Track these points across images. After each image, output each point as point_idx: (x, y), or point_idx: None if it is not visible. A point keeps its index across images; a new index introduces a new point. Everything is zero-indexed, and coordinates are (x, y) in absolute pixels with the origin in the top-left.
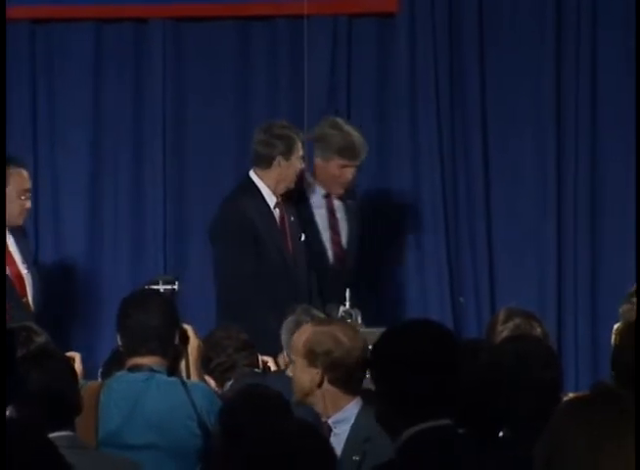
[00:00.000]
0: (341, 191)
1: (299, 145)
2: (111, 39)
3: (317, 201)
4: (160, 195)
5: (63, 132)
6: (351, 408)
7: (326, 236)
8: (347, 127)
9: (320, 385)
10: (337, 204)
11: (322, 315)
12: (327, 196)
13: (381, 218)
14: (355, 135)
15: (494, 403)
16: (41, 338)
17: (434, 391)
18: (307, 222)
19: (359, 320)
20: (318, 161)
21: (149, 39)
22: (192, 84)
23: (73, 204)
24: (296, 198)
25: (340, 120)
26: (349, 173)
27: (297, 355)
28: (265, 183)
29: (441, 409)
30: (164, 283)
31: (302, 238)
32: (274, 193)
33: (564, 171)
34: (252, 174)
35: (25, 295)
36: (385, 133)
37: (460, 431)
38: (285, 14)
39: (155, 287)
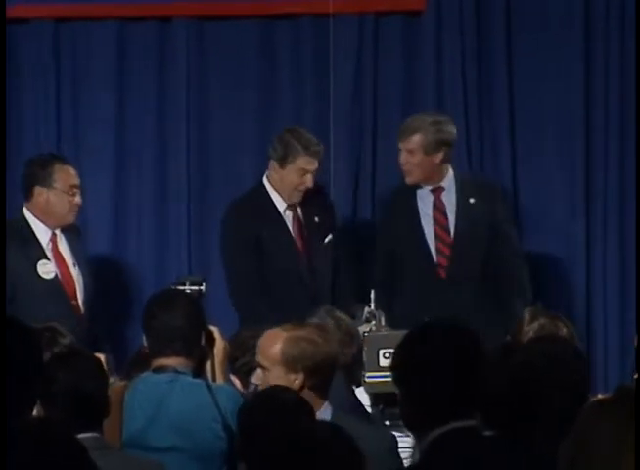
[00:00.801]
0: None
1: (304, 159)
2: (134, 38)
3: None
4: (185, 194)
5: (86, 133)
6: (324, 413)
7: (430, 233)
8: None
9: (305, 389)
10: (445, 198)
11: (346, 317)
12: (434, 190)
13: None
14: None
15: (526, 404)
16: (66, 339)
17: (458, 392)
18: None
19: (382, 322)
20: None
21: (172, 38)
22: (215, 84)
23: (98, 205)
24: (321, 199)
25: None
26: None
27: (270, 363)
28: (272, 186)
29: (466, 410)
30: (191, 284)
31: (327, 240)
32: (283, 196)
33: (592, 173)
34: (265, 175)
35: (75, 297)
36: None
37: (489, 432)
38: (309, 12)
39: (181, 288)
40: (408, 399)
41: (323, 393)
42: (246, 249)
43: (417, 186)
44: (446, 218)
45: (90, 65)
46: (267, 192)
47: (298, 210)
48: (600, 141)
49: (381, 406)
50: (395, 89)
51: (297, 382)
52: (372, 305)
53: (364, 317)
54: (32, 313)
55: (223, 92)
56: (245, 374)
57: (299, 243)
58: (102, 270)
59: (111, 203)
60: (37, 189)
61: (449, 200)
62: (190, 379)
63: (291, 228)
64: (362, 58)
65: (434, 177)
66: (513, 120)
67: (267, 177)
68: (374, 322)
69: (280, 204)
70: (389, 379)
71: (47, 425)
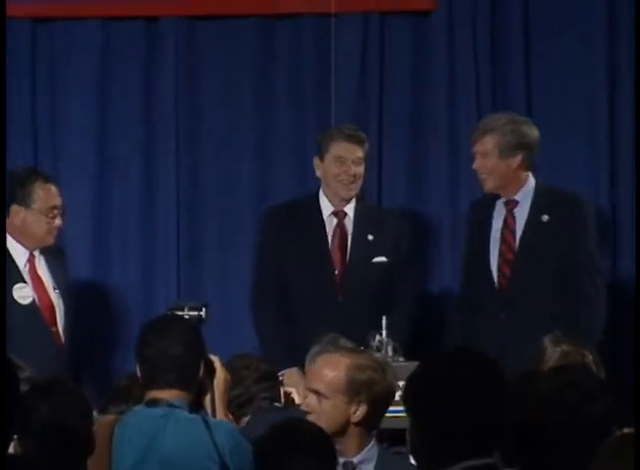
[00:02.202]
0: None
1: (339, 145)
2: (118, 40)
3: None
4: (174, 208)
5: (65, 141)
6: (373, 447)
7: (494, 252)
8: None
9: (361, 422)
10: (518, 214)
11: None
12: (507, 203)
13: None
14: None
15: (547, 439)
16: (25, 373)
17: (475, 426)
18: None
19: (390, 352)
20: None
21: (160, 40)
22: (208, 90)
23: (77, 221)
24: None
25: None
26: None
27: (331, 390)
28: (323, 190)
29: (484, 446)
30: (190, 309)
31: (378, 260)
32: (331, 200)
33: (617, 175)
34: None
35: (55, 324)
36: (420, 144)
37: None
38: (310, 11)
39: (179, 313)
40: (420, 433)
41: (374, 428)
42: (265, 257)
43: (497, 196)
44: (514, 238)
45: (70, 68)
46: (318, 197)
47: (347, 220)
48: (624, 144)
49: (385, 444)
50: (403, 95)
51: (357, 413)
52: (383, 332)
53: (374, 346)
54: (7, 341)
55: (216, 98)
56: (237, 408)
57: (337, 257)
58: (82, 293)
59: (92, 218)
60: (14, 208)
61: (521, 216)
62: (186, 414)
63: (330, 238)
64: (367, 61)
65: (510, 186)
66: None
67: (320, 184)
68: (382, 352)
69: (326, 208)
70: (396, 414)
71: (24, 464)
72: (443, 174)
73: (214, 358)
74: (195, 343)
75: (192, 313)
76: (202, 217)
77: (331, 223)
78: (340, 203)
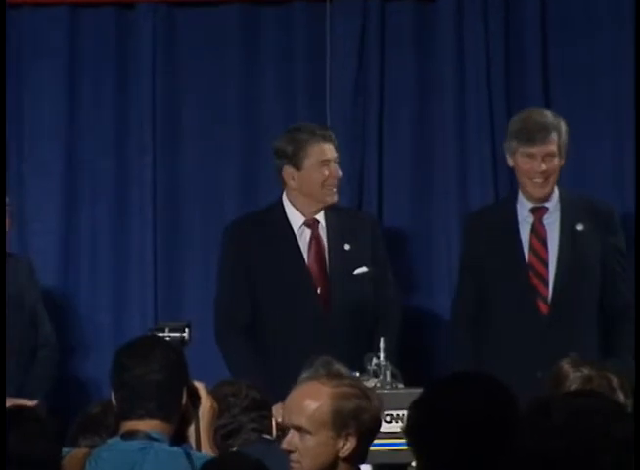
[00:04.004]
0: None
1: (318, 147)
2: (88, 27)
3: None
4: (149, 218)
5: (30, 145)
6: None
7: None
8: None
9: (350, 457)
10: (547, 222)
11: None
12: (534, 210)
13: (416, 244)
14: (535, 113)
15: None
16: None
17: (485, 459)
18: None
19: (388, 377)
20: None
21: (135, 28)
22: (188, 85)
23: (45, 230)
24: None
25: None
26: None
27: (315, 426)
28: (291, 201)
29: None
30: (172, 330)
31: (360, 271)
32: (302, 211)
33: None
34: (283, 193)
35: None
36: (426, 143)
37: None
38: None
39: (160, 334)
40: (427, 467)
41: (362, 461)
42: (233, 276)
43: (512, 202)
44: (546, 249)
45: (35, 60)
46: (283, 208)
47: (321, 229)
48: None
49: None
50: (405, 88)
51: (346, 448)
52: (381, 355)
53: (371, 371)
54: None
55: (197, 94)
56: (222, 439)
57: (315, 271)
58: (48, 311)
59: (58, 227)
60: None
61: (551, 225)
62: (167, 447)
63: (306, 252)
64: (365, 51)
65: (552, 191)
66: None
67: (286, 194)
68: (380, 377)
69: (296, 220)
70: (394, 447)
71: None
72: (451, 175)
73: (199, 385)
74: (177, 367)
75: (174, 335)
76: (181, 227)
77: (303, 235)
78: (315, 211)
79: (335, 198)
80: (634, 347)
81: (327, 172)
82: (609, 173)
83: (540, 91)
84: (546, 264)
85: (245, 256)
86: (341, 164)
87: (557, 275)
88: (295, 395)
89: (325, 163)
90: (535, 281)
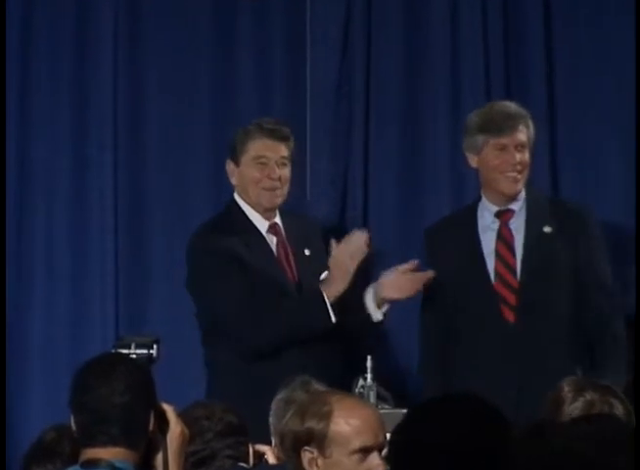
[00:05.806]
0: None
1: (257, 143)
2: (41, 9)
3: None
4: (111, 222)
5: None
6: None
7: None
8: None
9: None
10: (514, 226)
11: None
12: (500, 214)
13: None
14: (498, 105)
15: None
16: None
17: None
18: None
19: (372, 399)
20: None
21: (94, 10)
22: (154, 71)
23: None
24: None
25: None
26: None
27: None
28: (244, 199)
29: None
30: (138, 346)
31: (325, 277)
32: (259, 212)
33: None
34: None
35: None
36: (417, 138)
37: None
38: None
39: (124, 351)
40: None
41: None
42: (231, 266)
43: (474, 205)
44: (513, 254)
45: None
46: (243, 211)
47: (283, 234)
48: None
49: None
50: (393, 80)
51: None
52: (368, 376)
53: (357, 392)
54: None
55: (165, 82)
56: (192, 467)
57: (291, 277)
58: None
59: (8, 232)
60: None
61: (518, 228)
62: None
63: (276, 256)
64: (349, 40)
65: (522, 189)
66: (553, 116)
67: (236, 192)
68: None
69: (260, 223)
70: None
71: None
72: (444, 176)
73: (168, 408)
74: (144, 389)
75: (140, 352)
76: (146, 231)
77: (271, 240)
78: (264, 213)
79: (275, 201)
80: (620, 360)
81: (261, 172)
82: (613, 163)
83: (542, 80)
84: (514, 271)
85: (237, 268)
86: (321, 151)
87: (522, 280)
88: (369, 415)
89: (261, 160)
90: (501, 289)
